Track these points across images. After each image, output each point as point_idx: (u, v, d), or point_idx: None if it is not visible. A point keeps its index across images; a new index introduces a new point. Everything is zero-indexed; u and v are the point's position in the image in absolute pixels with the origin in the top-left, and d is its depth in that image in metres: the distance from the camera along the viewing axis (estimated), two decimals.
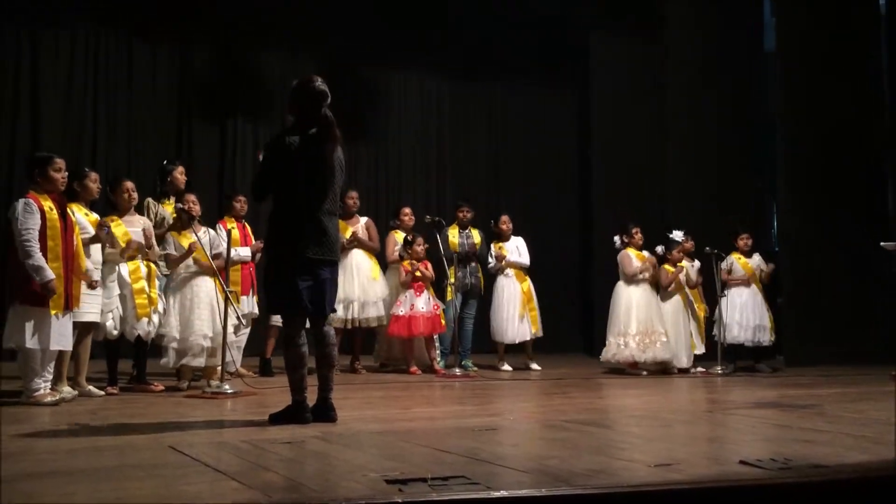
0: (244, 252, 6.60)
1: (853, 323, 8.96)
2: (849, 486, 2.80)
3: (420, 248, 7.65)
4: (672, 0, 10.60)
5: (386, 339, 7.90)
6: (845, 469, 2.95)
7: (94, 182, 5.58)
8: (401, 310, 7.54)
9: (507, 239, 8.39)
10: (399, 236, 7.98)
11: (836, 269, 9.13)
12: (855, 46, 9.64)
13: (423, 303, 7.56)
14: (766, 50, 11.12)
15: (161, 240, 6.01)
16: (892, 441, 3.65)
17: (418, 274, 7.58)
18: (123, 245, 5.59)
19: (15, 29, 9.08)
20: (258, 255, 6.84)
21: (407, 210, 8.22)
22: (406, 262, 7.68)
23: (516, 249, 8.35)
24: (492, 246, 8.35)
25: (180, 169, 6.56)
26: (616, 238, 8.21)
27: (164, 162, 6.67)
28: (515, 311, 8.21)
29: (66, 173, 5.13)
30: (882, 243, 7.64)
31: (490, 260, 8.27)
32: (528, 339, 8.25)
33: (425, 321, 7.52)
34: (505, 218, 8.45)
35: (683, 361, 8.02)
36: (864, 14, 9.91)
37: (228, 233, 6.27)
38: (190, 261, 5.94)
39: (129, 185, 5.86)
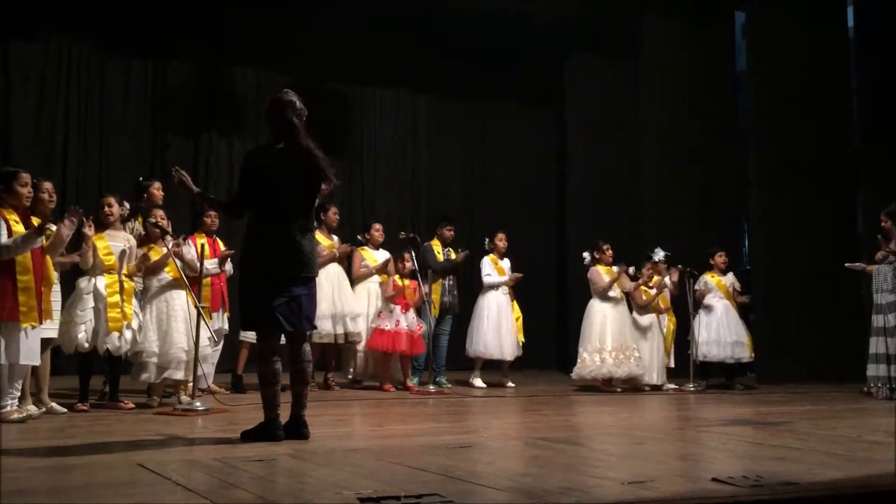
0: (211, 264, 6.54)
1: (824, 341, 9.05)
2: (820, 503, 2.82)
3: (407, 264, 7.63)
4: (646, 23, 10.75)
5: (363, 355, 7.85)
6: (817, 486, 2.96)
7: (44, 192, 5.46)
8: (386, 324, 7.49)
9: (501, 256, 8.43)
10: (366, 253, 7.95)
11: (807, 287, 9.23)
12: (825, 68, 9.79)
13: (407, 321, 7.55)
14: (738, 70, 11.29)
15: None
16: (864, 458, 3.69)
17: (408, 293, 7.57)
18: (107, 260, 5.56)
19: None
20: (227, 264, 6.79)
21: (378, 226, 8.20)
22: (394, 279, 7.66)
23: (508, 269, 8.41)
24: (486, 260, 8.36)
25: (157, 185, 6.53)
26: (585, 254, 8.25)
27: (141, 178, 6.65)
28: (510, 327, 8.24)
29: (31, 188, 5.06)
30: (846, 264, 7.76)
31: (486, 272, 8.26)
32: (512, 357, 8.30)
33: (408, 339, 7.51)
34: (501, 235, 8.49)
35: (654, 378, 8.05)
36: (833, 36, 10.08)
37: (202, 248, 6.21)
38: (163, 273, 5.88)
39: (108, 200, 5.82)
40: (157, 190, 6.48)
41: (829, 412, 6.03)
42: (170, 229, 6.01)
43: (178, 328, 5.81)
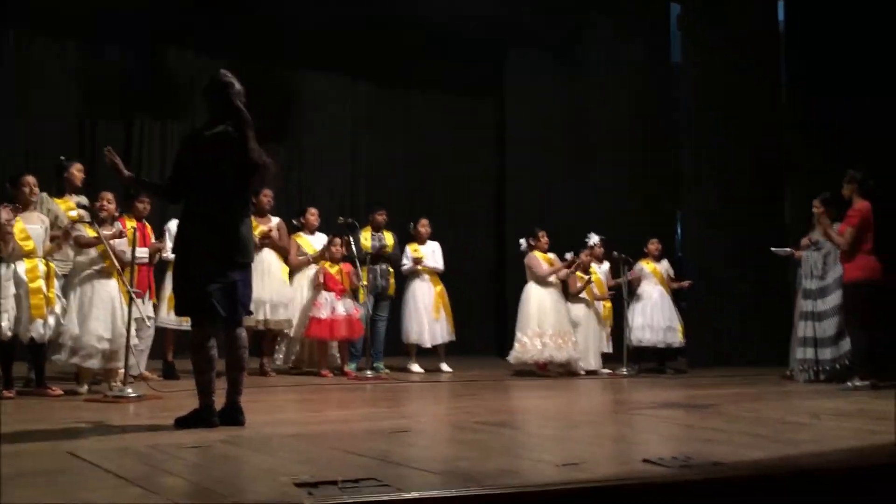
0: (141, 253, 6.40)
1: (751, 326, 9.33)
2: (746, 483, 2.91)
3: (337, 249, 7.60)
4: (586, 16, 10.88)
5: (297, 341, 7.80)
6: (743, 466, 3.06)
7: None
8: (322, 312, 7.45)
9: (423, 242, 8.43)
10: (302, 239, 7.88)
11: (737, 274, 9.50)
12: (755, 59, 10.05)
13: (344, 306, 7.52)
14: (672, 62, 11.50)
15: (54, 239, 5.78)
16: (787, 439, 3.83)
17: (337, 277, 7.53)
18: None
19: None
20: (156, 257, 6.66)
21: (313, 210, 8.13)
22: (326, 264, 7.61)
23: (432, 254, 8.41)
24: (407, 248, 8.36)
25: (77, 166, 6.34)
26: (522, 241, 8.33)
27: (62, 158, 6.43)
28: (430, 313, 8.26)
29: None
30: (772, 248, 7.99)
31: (405, 261, 8.29)
32: (442, 342, 8.35)
33: (346, 325, 7.48)
34: (424, 221, 8.50)
35: (592, 364, 8.19)
36: (764, 29, 10.35)
37: (134, 231, 6.08)
38: (97, 259, 5.74)
39: (31, 179, 5.63)
40: (77, 171, 6.30)
41: (755, 395, 6.22)
42: (117, 213, 5.89)
43: (97, 315, 5.62)
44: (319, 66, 11.06)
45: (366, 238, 8.05)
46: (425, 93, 11.95)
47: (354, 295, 7.72)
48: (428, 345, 8.32)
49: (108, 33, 9.65)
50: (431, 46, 11.15)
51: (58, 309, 5.55)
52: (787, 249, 7.94)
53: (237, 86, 4.23)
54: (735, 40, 9.92)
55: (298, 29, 10.28)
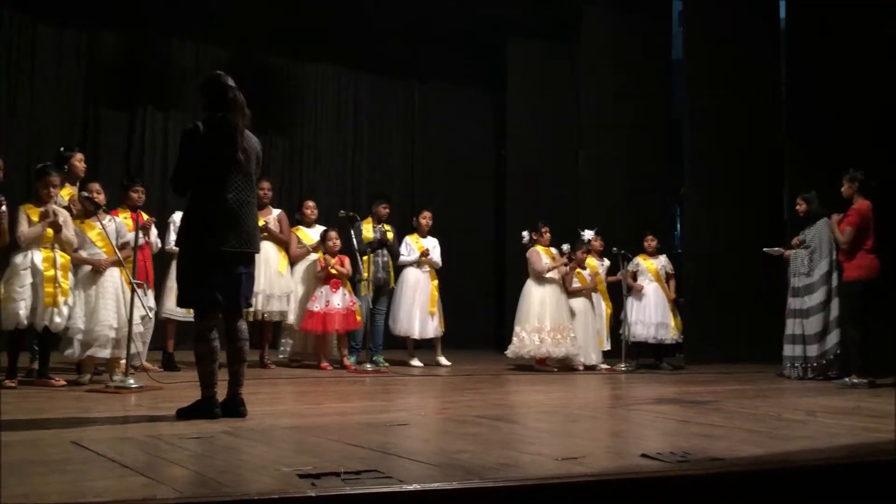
0: (131, 236, 6.45)
1: (747, 323, 9.36)
2: (744, 479, 2.94)
3: (333, 242, 7.62)
4: (586, 9, 10.88)
5: (297, 334, 7.83)
6: (740, 462, 3.10)
7: None
8: (316, 305, 7.49)
9: (424, 235, 8.46)
10: (301, 232, 7.90)
11: (734, 271, 9.52)
12: (757, 57, 10.06)
13: (339, 299, 7.54)
14: (674, 58, 11.51)
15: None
16: (784, 435, 3.86)
17: (333, 271, 7.55)
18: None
19: None
20: (152, 235, 6.68)
21: (311, 203, 8.16)
22: (322, 256, 7.63)
23: (433, 248, 8.45)
24: (408, 238, 8.38)
25: (79, 156, 6.35)
26: (525, 233, 8.33)
27: (62, 148, 6.43)
28: (426, 307, 8.28)
29: None
30: (764, 249, 8.05)
31: (403, 252, 8.29)
32: (435, 335, 8.38)
33: (341, 318, 7.50)
34: (427, 213, 8.53)
35: (592, 358, 8.23)
36: (765, 26, 10.36)
37: (135, 221, 6.11)
38: (101, 252, 5.77)
39: (54, 179, 5.68)
40: (78, 161, 6.31)
41: (753, 392, 6.26)
42: (104, 203, 5.89)
43: (106, 305, 5.68)
44: (319, 57, 11.07)
45: (367, 230, 8.07)
46: (426, 83, 11.96)
47: (354, 288, 7.74)
48: (418, 336, 8.34)
49: (110, 21, 9.66)
50: (432, 37, 11.17)
51: (71, 300, 5.58)
52: (778, 249, 8.00)
53: (231, 82, 4.24)
54: (737, 38, 9.93)
55: (298, 20, 10.30)
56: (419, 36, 11.11)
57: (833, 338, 7.28)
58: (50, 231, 5.50)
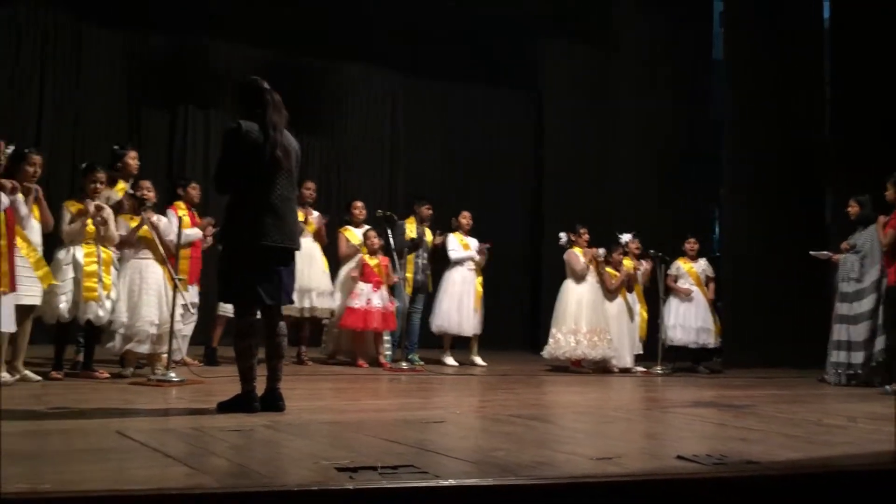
0: (191, 231, 6.59)
1: (788, 328, 9.24)
2: (782, 482, 2.92)
3: (372, 241, 7.67)
4: (622, 8, 10.83)
5: (335, 331, 7.90)
6: (777, 466, 3.07)
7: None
8: (356, 302, 7.54)
9: (466, 234, 8.51)
10: (349, 232, 7.98)
11: (775, 274, 9.40)
12: (800, 58, 9.94)
13: (380, 298, 7.60)
14: (714, 58, 11.40)
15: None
16: (823, 441, 3.82)
17: (387, 278, 7.61)
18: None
19: None
20: (209, 236, 6.82)
21: (359, 204, 8.23)
22: (365, 256, 7.69)
23: (475, 247, 8.48)
24: (452, 237, 8.42)
25: (132, 154, 6.48)
26: (562, 234, 8.30)
27: (116, 146, 6.58)
28: (470, 304, 8.33)
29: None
30: (811, 252, 7.91)
31: (452, 247, 8.31)
32: (475, 332, 8.41)
33: (380, 316, 7.56)
34: (466, 213, 8.58)
35: (627, 361, 8.20)
36: (809, 27, 10.22)
37: (179, 219, 6.22)
38: (140, 246, 5.90)
39: (100, 176, 5.79)
40: (132, 159, 6.44)
41: (791, 397, 6.19)
42: (155, 199, 6.02)
43: (148, 301, 5.78)
44: (357, 58, 11.14)
45: (411, 230, 8.12)
46: (463, 86, 11.98)
47: (392, 289, 7.80)
48: (457, 332, 8.38)
49: (155, 22, 9.83)
50: (469, 40, 11.18)
51: (114, 294, 5.69)
52: (826, 253, 7.87)
53: (266, 84, 4.29)
54: (778, 37, 9.81)
55: (336, 21, 10.38)
56: (457, 36, 11.12)
57: (878, 344, 7.13)
58: (92, 227, 5.61)
